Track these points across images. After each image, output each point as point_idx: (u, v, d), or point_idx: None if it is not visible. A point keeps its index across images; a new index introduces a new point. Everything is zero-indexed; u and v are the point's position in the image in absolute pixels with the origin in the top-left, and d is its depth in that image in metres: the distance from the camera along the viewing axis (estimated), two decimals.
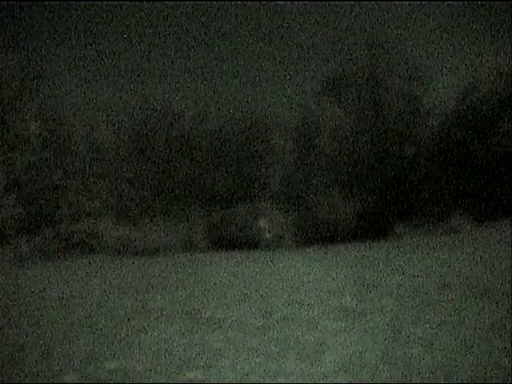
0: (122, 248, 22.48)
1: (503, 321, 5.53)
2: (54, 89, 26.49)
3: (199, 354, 4.99)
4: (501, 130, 24.26)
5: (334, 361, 4.54)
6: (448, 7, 31.32)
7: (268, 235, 24.10)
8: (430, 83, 28.26)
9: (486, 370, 4.05)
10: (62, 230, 22.80)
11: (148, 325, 6.46)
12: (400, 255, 14.25)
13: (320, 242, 23.31)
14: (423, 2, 33.10)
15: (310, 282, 9.74)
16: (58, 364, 4.85)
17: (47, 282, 12.43)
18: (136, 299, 8.62)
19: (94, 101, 29.55)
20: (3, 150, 22.88)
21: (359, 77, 28.18)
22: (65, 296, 9.49)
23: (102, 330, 6.32)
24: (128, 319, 6.90)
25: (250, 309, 7.17)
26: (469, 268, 9.94)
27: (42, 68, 25.52)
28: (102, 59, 33.57)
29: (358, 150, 26.74)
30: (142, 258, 20.13)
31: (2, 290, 11.07)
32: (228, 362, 4.69)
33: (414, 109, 27.36)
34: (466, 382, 3.86)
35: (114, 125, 29.70)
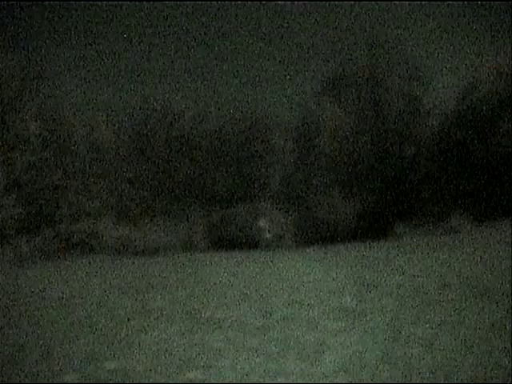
0: (122, 248, 22.48)
1: (503, 321, 5.53)
2: (54, 89, 26.51)
3: (199, 354, 4.99)
4: (501, 130, 24.27)
5: (334, 361, 4.54)
6: (448, 7, 31.33)
7: (268, 235, 24.10)
8: (430, 83, 28.27)
9: (486, 370, 4.05)
10: (62, 229, 22.81)
11: (148, 325, 6.46)
12: (400, 255, 14.25)
13: (320, 242, 23.32)
14: (423, 2, 33.12)
15: (310, 281, 9.74)
16: (58, 364, 4.85)
17: (47, 281, 12.43)
18: (136, 299, 8.62)
19: (94, 101, 29.57)
20: (3, 149, 22.88)
21: (359, 77, 28.19)
22: (65, 296, 9.49)
23: (101, 329, 6.32)
24: (128, 319, 6.90)
25: (250, 309, 7.17)
26: (469, 268, 9.94)
27: (41, 68, 25.53)
28: (102, 59, 33.60)
29: (358, 149, 26.75)
30: (142, 258, 20.13)
31: (2, 290, 11.07)
32: (228, 361, 4.69)
33: (414, 109, 27.36)
34: (465, 381, 3.86)
35: (114, 125, 29.70)
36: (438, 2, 33.88)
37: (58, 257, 21.69)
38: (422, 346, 4.83)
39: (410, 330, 5.45)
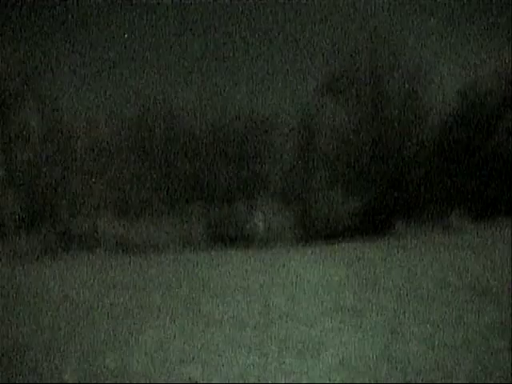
0: (121, 245, 22.48)
1: (503, 320, 5.52)
2: (54, 86, 26.45)
3: (198, 352, 4.98)
4: (501, 129, 24.27)
5: (333, 358, 4.53)
6: (448, 7, 31.27)
7: (267, 233, 24.10)
8: (431, 82, 28.24)
9: (485, 370, 4.04)
10: (61, 226, 22.80)
11: (147, 322, 6.45)
12: (400, 253, 14.25)
13: (320, 240, 23.31)
14: (423, 2, 33.11)
15: (309, 279, 9.73)
16: (58, 361, 4.84)
17: (46, 278, 12.42)
18: (135, 296, 8.61)
19: (94, 99, 29.46)
20: (3, 146, 22.86)
21: (360, 76, 28.16)
22: (64, 293, 9.48)
23: (100, 326, 6.31)
24: (127, 316, 6.89)
25: (249, 306, 7.16)
26: (469, 267, 9.93)
27: (42, 65, 25.48)
28: (103, 58, 33.52)
29: (358, 147, 26.74)
30: (141, 255, 20.13)
31: (0, 287, 11.06)
32: (227, 359, 4.69)
33: (414, 107, 27.34)
34: (465, 381, 3.85)
35: (114, 122, 29.67)
36: (438, 2, 33.88)
37: (58, 253, 21.68)
38: (421, 344, 4.83)
39: (409, 328, 5.44)
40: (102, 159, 26.54)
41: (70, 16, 32.83)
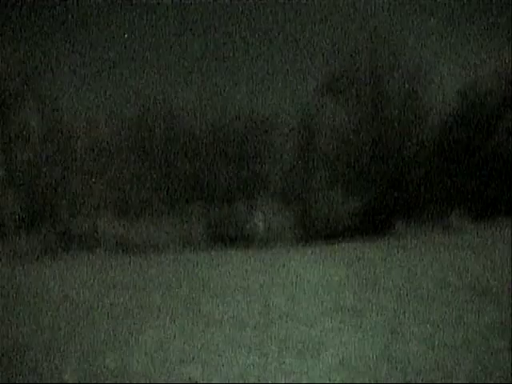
0: (121, 245, 22.47)
1: (503, 320, 5.52)
2: (54, 86, 26.44)
3: (198, 352, 4.98)
4: (501, 130, 24.26)
5: (333, 358, 4.53)
6: (448, 7, 31.24)
7: (267, 233, 24.10)
8: (431, 83, 28.23)
9: (485, 370, 4.03)
10: (61, 226, 22.79)
11: (147, 322, 6.45)
12: (400, 253, 14.25)
13: (320, 240, 23.30)
14: (423, 2, 33.08)
15: (309, 279, 9.73)
16: (58, 361, 4.84)
17: (46, 278, 12.42)
18: (135, 296, 8.61)
19: (94, 99, 29.44)
20: (3, 146, 22.85)
21: (360, 77, 28.15)
22: (64, 292, 9.48)
23: (100, 326, 6.31)
24: (127, 316, 6.89)
25: (249, 306, 7.16)
26: (469, 267, 9.93)
27: (42, 65, 25.46)
28: (103, 58, 33.47)
29: (358, 147, 26.73)
30: (141, 255, 20.12)
31: (0, 287, 11.06)
32: (227, 359, 4.68)
33: (414, 108, 27.34)
34: (465, 381, 3.85)
35: (114, 122, 29.66)
36: (438, 2, 33.84)
37: (58, 253, 21.67)
38: (421, 344, 4.82)
39: (409, 328, 5.44)
40: (102, 159, 26.52)
41: (70, 16, 32.78)
